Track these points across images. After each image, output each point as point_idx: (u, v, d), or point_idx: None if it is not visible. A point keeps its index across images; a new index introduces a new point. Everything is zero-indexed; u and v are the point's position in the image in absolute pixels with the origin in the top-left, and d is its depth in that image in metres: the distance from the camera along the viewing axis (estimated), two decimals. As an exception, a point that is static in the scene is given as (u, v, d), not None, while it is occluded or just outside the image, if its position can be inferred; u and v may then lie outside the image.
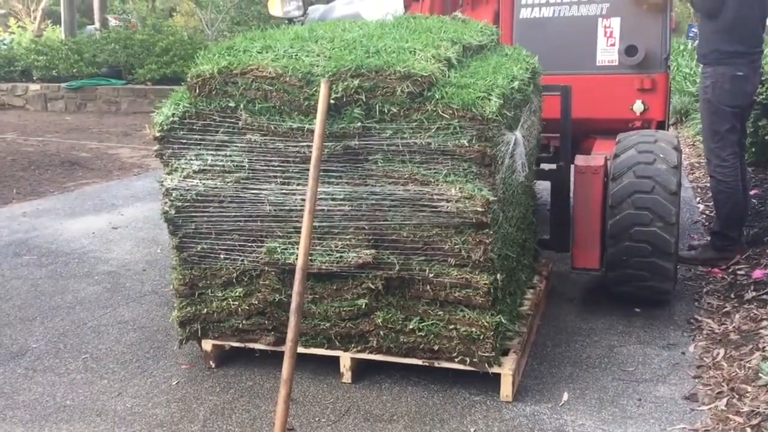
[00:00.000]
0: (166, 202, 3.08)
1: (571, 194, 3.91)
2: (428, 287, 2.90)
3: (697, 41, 4.85)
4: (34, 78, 13.95)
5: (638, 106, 4.26)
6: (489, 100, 2.71)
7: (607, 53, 4.31)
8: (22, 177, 7.46)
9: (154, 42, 13.83)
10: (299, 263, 2.67)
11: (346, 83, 2.76)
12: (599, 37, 4.31)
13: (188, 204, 3.06)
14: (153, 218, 5.78)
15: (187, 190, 3.04)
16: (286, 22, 5.27)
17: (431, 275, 2.87)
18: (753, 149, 6.18)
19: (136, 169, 8.04)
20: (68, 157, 8.48)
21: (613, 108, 4.29)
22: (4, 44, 17.21)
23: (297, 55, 2.95)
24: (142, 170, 7.96)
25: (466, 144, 2.69)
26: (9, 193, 6.77)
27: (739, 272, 4.18)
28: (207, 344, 3.26)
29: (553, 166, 4.05)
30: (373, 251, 2.89)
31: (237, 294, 3.14)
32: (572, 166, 3.88)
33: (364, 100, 2.76)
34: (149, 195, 6.66)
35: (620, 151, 3.70)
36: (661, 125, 4.34)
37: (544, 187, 4.32)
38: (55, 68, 13.69)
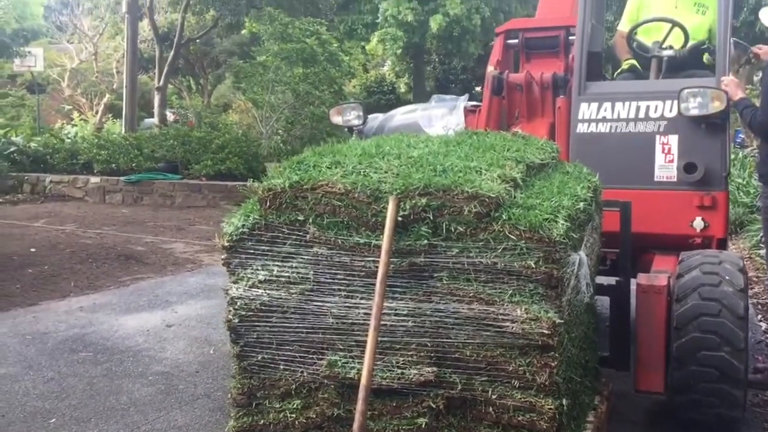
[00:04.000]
0: (230, 311, 3.11)
1: (632, 311, 3.83)
2: (491, 409, 2.83)
3: (747, 149, 4.85)
4: (95, 171, 14.53)
5: (698, 223, 4.21)
6: (556, 222, 2.72)
7: (666, 169, 4.30)
8: (80, 270, 7.65)
9: (211, 139, 14.37)
10: (363, 381, 2.65)
11: (414, 201, 2.80)
12: (657, 153, 4.32)
13: (252, 313, 3.08)
14: (206, 317, 5.84)
15: (252, 299, 3.07)
16: (346, 129, 5.44)
17: (494, 397, 2.81)
18: (815, 265, 6.02)
19: (190, 264, 8.19)
20: (124, 251, 8.70)
21: (673, 224, 4.24)
22: (69, 138, 18.10)
23: (365, 171, 3.02)
24: (195, 266, 8.11)
25: (533, 265, 2.69)
26: (67, 286, 6.94)
27: (810, 398, 4.01)
28: (261, 457, 3.21)
29: (612, 281, 4.00)
30: (435, 369, 2.85)
31: (295, 406, 3.11)
32: (632, 281, 3.82)
33: (432, 218, 2.79)
34: (202, 292, 6.76)
35: (684, 271, 3.64)
36: (722, 243, 4.27)
37: (600, 300, 4.25)
38: (115, 162, 14.28)
